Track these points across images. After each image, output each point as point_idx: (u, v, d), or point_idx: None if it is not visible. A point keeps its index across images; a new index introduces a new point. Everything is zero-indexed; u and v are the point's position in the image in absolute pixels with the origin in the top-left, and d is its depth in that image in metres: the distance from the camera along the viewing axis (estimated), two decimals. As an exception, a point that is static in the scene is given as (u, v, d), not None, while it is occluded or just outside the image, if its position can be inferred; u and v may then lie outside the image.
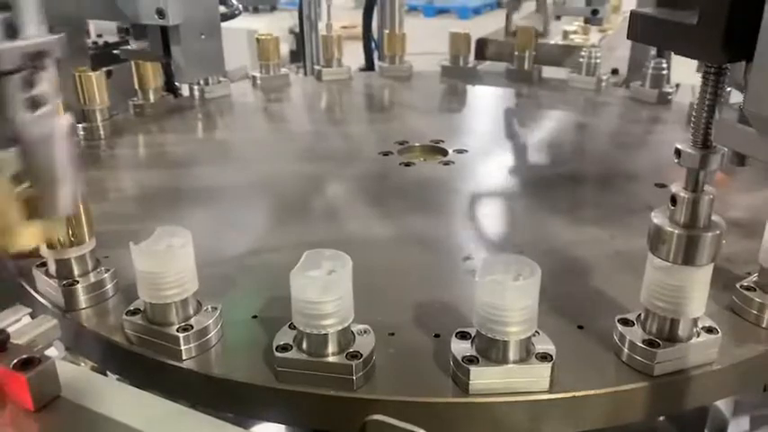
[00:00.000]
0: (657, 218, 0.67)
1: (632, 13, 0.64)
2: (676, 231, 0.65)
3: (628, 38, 0.67)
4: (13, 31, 0.49)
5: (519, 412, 0.68)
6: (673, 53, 1.76)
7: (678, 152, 0.64)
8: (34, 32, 0.50)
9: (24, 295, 0.86)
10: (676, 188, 0.66)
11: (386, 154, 1.33)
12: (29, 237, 0.55)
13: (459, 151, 1.34)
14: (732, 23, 0.53)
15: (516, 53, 1.81)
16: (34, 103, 0.51)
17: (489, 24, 2.79)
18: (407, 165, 1.29)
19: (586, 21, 1.92)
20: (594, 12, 1.80)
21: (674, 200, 0.66)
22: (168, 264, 0.71)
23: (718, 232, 0.65)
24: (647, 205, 1.08)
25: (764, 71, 0.50)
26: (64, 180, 0.53)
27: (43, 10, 0.50)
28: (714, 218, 0.66)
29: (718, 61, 0.59)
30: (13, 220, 0.53)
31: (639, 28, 0.63)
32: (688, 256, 0.65)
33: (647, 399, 0.70)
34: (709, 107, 0.62)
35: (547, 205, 1.17)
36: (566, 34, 2.31)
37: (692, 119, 0.64)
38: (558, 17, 1.94)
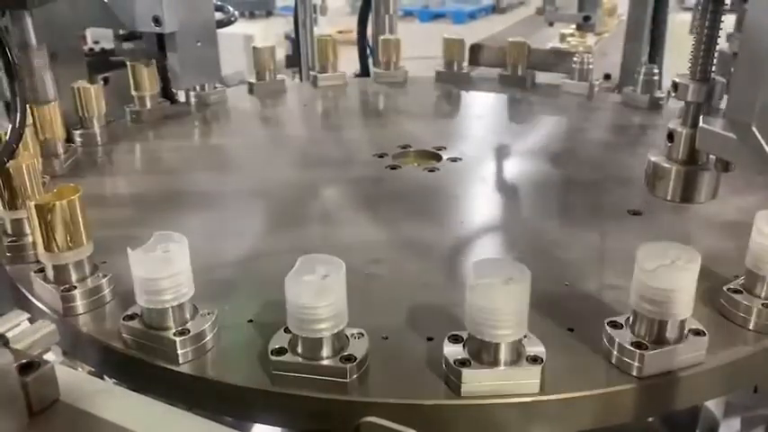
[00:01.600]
0: (655, 155, 0.65)
1: None
2: (674, 167, 0.64)
3: None
4: None
5: (510, 414, 0.69)
6: (663, 59, 1.78)
7: (675, 85, 0.62)
8: None
9: (23, 300, 0.87)
10: (673, 124, 0.64)
11: (380, 161, 1.34)
12: None
13: (453, 157, 1.35)
14: None
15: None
16: None
17: (484, 29, 2.81)
18: (402, 170, 1.30)
19: (578, 27, 1.94)
20: (586, 18, 1.82)
21: (671, 136, 0.64)
22: (165, 269, 0.72)
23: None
24: (638, 209, 1.10)
25: (745, 79, 0.51)
26: None
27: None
28: (712, 155, 0.64)
29: None
30: None
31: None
32: (687, 192, 0.64)
33: (637, 400, 0.72)
34: (708, 36, 0.60)
35: (538, 209, 1.18)
36: (563, 37, 2.33)
37: (691, 51, 0.62)
38: (551, 24, 1.95)
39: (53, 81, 1.28)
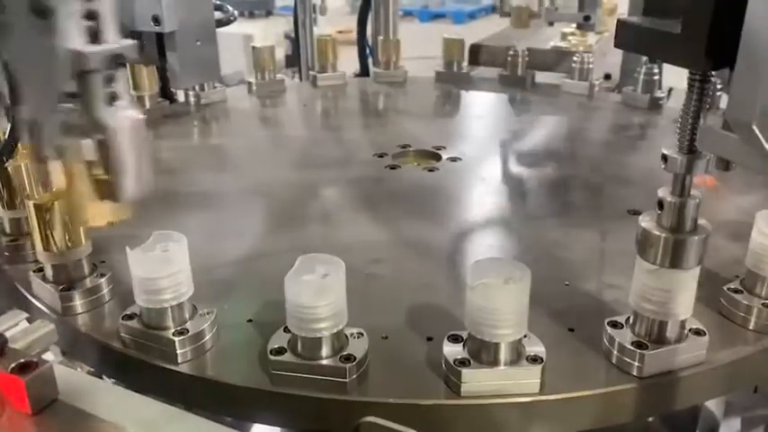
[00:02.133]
0: (645, 222, 0.68)
1: (619, 22, 0.66)
2: (663, 235, 0.66)
3: (615, 46, 0.68)
4: (96, 38, 0.57)
5: (510, 414, 0.69)
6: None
7: (665, 158, 0.66)
8: (113, 39, 0.58)
9: (22, 300, 0.87)
10: (663, 193, 0.67)
11: (380, 160, 1.34)
12: (99, 216, 0.63)
13: (453, 157, 1.35)
14: (715, 32, 0.54)
15: (509, 58, 1.83)
16: (111, 99, 0.58)
17: (485, 29, 2.81)
18: (401, 170, 1.30)
19: (579, 26, 1.94)
20: (587, 18, 1.82)
21: (660, 204, 0.67)
22: (164, 268, 0.72)
23: (704, 236, 0.67)
24: (638, 209, 1.10)
25: (745, 79, 0.51)
26: (130, 167, 0.59)
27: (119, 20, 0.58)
28: (700, 221, 0.68)
29: (702, 69, 0.60)
30: (86, 199, 0.61)
31: (625, 36, 0.65)
32: (675, 259, 0.67)
33: (637, 400, 0.72)
34: (695, 113, 0.64)
35: (538, 208, 1.18)
36: (564, 35, 2.33)
37: (678, 125, 0.65)
38: (551, 23, 1.96)
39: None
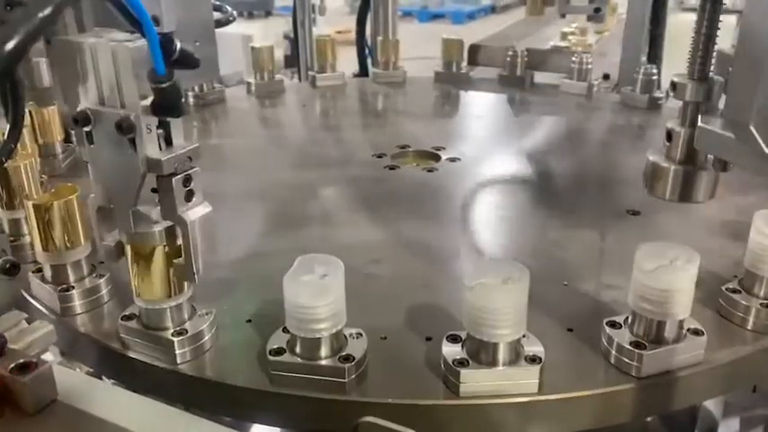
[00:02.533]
0: (653, 155, 0.65)
1: None
2: (673, 167, 0.64)
3: None
4: (168, 143, 0.67)
5: (509, 414, 0.69)
6: (662, 60, 1.78)
7: (673, 85, 0.62)
8: (182, 143, 0.68)
9: (21, 300, 0.87)
10: (672, 123, 0.64)
11: (378, 161, 1.34)
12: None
13: (452, 158, 1.35)
14: None
15: (508, 58, 1.83)
16: (188, 196, 0.68)
17: (484, 29, 2.81)
18: (400, 170, 1.30)
19: (589, 18, 1.96)
20: (597, 9, 1.83)
21: (669, 136, 0.64)
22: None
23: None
24: (637, 209, 1.10)
25: (742, 80, 0.51)
26: (200, 254, 0.69)
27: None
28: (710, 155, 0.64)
29: None
30: (163, 280, 0.72)
31: None
32: (685, 192, 0.64)
33: (635, 400, 0.72)
34: (707, 36, 0.60)
35: (537, 209, 1.18)
36: (564, 35, 2.34)
37: (689, 50, 0.62)
38: (563, 15, 1.97)
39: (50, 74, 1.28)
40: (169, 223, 0.69)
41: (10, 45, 0.47)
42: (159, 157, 0.65)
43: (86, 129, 0.67)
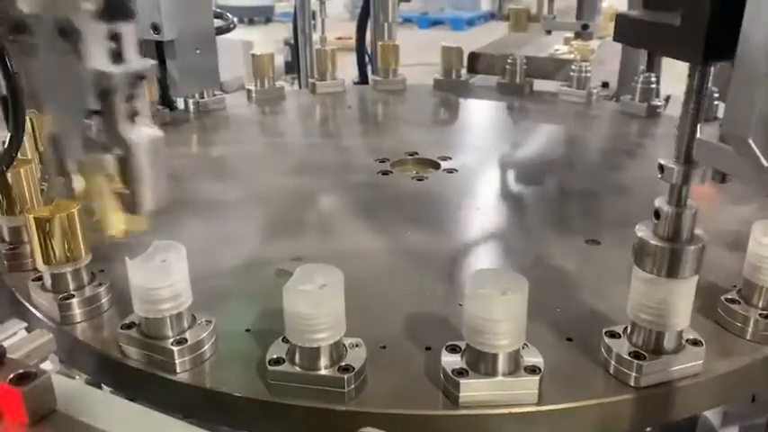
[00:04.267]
0: (642, 231, 0.68)
1: (618, 16, 0.65)
2: (660, 245, 0.67)
3: (614, 40, 0.67)
4: (118, 58, 0.60)
5: (508, 424, 0.69)
6: (660, 68, 1.79)
7: (661, 167, 0.66)
8: (134, 59, 0.60)
9: (20, 309, 0.87)
10: (660, 202, 0.67)
11: (379, 169, 1.35)
12: (117, 227, 0.66)
13: (453, 167, 1.35)
14: (714, 24, 0.54)
15: (508, 66, 1.84)
16: (132, 116, 0.61)
17: (483, 36, 2.82)
18: (400, 178, 1.30)
19: (577, 35, 1.96)
20: (585, 26, 1.83)
21: (657, 214, 0.67)
22: (163, 278, 0.72)
23: (700, 245, 0.67)
24: (636, 219, 1.10)
25: (741, 92, 0.51)
26: (148, 181, 0.62)
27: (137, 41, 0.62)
28: (697, 231, 0.68)
29: (700, 62, 0.59)
30: (107, 211, 0.64)
31: (625, 29, 0.65)
32: (671, 268, 0.67)
33: (634, 410, 0.72)
34: (692, 124, 0.64)
35: (536, 218, 1.18)
36: (567, 40, 2.35)
37: (676, 135, 0.65)
38: (549, 32, 1.98)
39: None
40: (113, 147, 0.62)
41: None
42: (107, 69, 0.58)
43: (24, 38, 0.60)
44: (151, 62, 0.62)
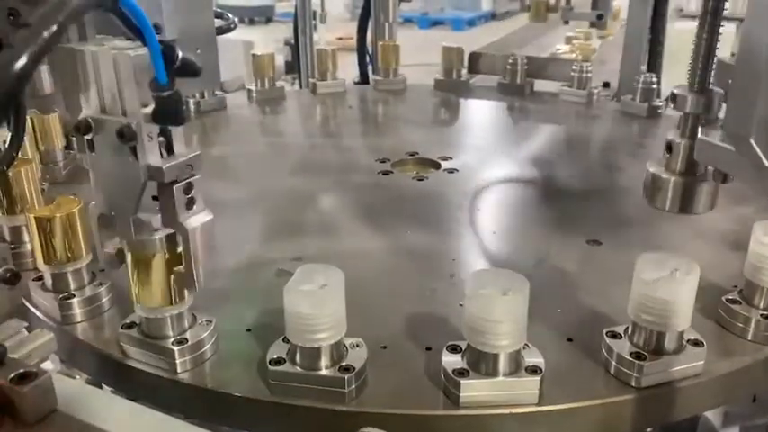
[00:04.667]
0: (653, 166, 0.66)
1: None
2: (673, 178, 0.64)
3: None
4: (169, 151, 0.67)
5: (508, 424, 0.69)
6: (662, 68, 1.79)
7: (674, 96, 0.63)
8: (183, 151, 0.68)
9: (21, 309, 0.87)
10: (672, 135, 0.64)
11: (380, 169, 1.35)
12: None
13: (453, 167, 1.35)
14: None
15: (508, 66, 1.84)
16: (189, 204, 0.68)
17: (483, 36, 2.82)
18: (400, 178, 1.30)
19: (592, 24, 1.99)
20: (600, 16, 1.87)
21: (669, 147, 0.64)
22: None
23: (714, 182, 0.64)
24: (637, 219, 1.10)
25: (742, 93, 0.51)
26: (202, 262, 0.69)
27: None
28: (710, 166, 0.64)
29: None
30: (163, 288, 0.71)
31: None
32: (685, 203, 0.64)
33: (635, 410, 0.72)
34: (706, 48, 0.61)
35: (537, 218, 1.18)
36: (569, 39, 2.36)
37: (689, 62, 0.62)
38: (566, 22, 2.00)
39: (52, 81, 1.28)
40: (170, 230, 0.69)
41: (18, 65, 0.47)
42: (160, 165, 0.65)
43: (88, 137, 0.67)
44: (197, 153, 0.69)
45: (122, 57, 0.63)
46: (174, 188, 0.67)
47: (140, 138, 0.64)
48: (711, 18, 0.59)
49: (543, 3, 2.15)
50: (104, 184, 0.69)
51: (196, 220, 0.68)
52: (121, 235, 0.71)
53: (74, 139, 1.39)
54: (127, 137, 0.64)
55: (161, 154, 0.66)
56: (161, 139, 0.66)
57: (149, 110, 0.63)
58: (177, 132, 0.68)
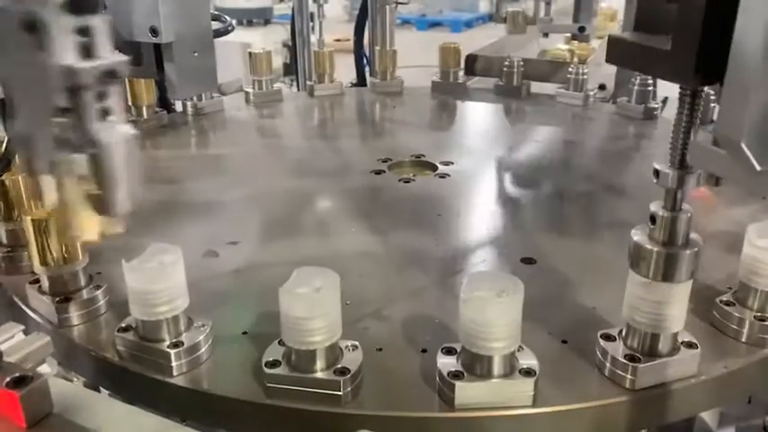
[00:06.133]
0: (637, 235, 0.69)
1: (610, 38, 0.67)
2: (655, 249, 0.67)
3: (607, 61, 0.69)
4: (88, 53, 0.56)
5: (503, 426, 0.69)
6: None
7: (656, 172, 0.66)
8: (107, 54, 0.57)
9: (17, 312, 0.87)
10: (655, 207, 0.68)
11: (378, 171, 1.35)
12: (90, 230, 0.62)
13: (445, 171, 1.35)
14: (704, 49, 0.55)
15: (505, 68, 1.84)
16: (104, 114, 0.58)
17: (480, 38, 2.83)
18: (397, 180, 1.30)
19: (573, 37, 1.96)
20: (581, 29, 1.84)
21: (653, 218, 0.68)
22: (159, 281, 0.72)
23: (695, 249, 0.67)
24: (632, 220, 1.10)
25: (734, 96, 0.52)
26: (122, 182, 0.60)
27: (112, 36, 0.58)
28: (692, 235, 0.68)
29: (692, 85, 0.61)
30: (78, 214, 0.61)
31: (617, 52, 0.66)
32: (667, 272, 0.67)
33: (629, 412, 0.72)
34: (686, 128, 0.65)
35: (533, 219, 1.19)
36: (568, 40, 2.36)
37: (670, 140, 0.66)
38: (545, 35, 1.98)
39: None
40: (82, 146, 0.59)
41: None
42: (74, 64, 0.56)
43: None
44: (124, 57, 0.58)
45: None
46: (86, 93, 0.57)
47: (51, 30, 0.54)
48: (691, 99, 0.63)
49: (520, 14, 2.13)
50: (10, 88, 0.59)
51: (113, 132, 0.59)
52: (39, 155, 0.60)
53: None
54: (33, 26, 0.54)
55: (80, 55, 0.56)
56: (82, 38, 0.56)
57: None
58: (100, 32, 0.57)
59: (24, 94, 0.59)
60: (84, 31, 0.56)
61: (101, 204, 0.60)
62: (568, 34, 2.58)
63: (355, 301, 0.84)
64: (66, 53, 0.55)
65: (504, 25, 2.35)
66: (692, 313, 0.73)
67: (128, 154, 0.60)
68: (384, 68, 1.91)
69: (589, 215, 1.19)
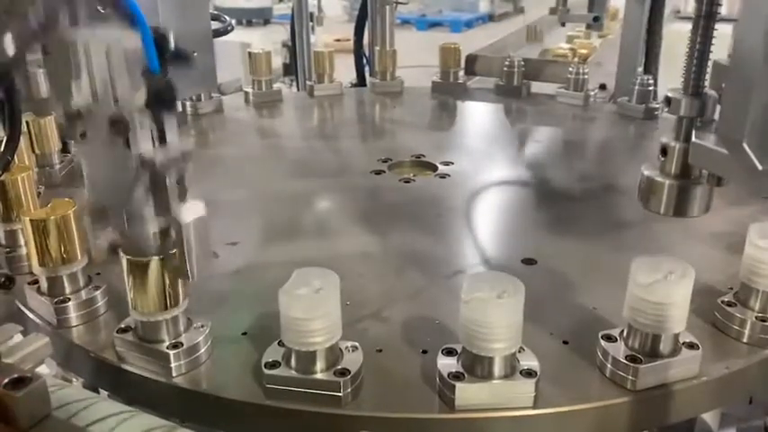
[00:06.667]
0: (648, 170, 0.66)
1: None
2: (667, 182, 0.64)
3: None
4: (162, 141, 0.65)
5: (504, 428, 0.69)
6: (658, 70, 1.79)
7: (668, 100, 0.63)
8: (175, 141, 0.66)
9: (16, 313, 0.87)
10: (666, 138, 0.65)
11: (378, 171, 1.35)
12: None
13: (445, 171, 1.35)
14: None
15: (505, 68, 1.84)
16: (182, 195, 0.67)
17: (481, 38, 2.83)
18: (397, 181, 1.30)
19: (588, 26, 2.00)
20: (596, 18, 1.88)
21: (663, 151, 0.64)
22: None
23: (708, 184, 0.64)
24: (633, 221, 1.10)
25: (735, 97, 0.52)
26: (198, 254, 0.68)
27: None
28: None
29: None
30: (159, 292, 0.71)
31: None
32: (680, 206, 0.64)
33: (631, 413, 0.72)
34: (700, 52, 0.61)
35: (533, 220, 1.18)
36: (570, 39, 2.37)
37: (684, 66, 0.62)
38: (563, 24, 2.01)
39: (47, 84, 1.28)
40: (164, 224, 0.67)
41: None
42: (153, 154, 0.64)
43: (80, 127, 0.66)
44: (191, 143, 0.66)
45: (114, 44, 0.61)
46: (167, 178, 0.65)
47: (132, 126, 0.63)
48: (705, 21, 0.59)
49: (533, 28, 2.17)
50: (97, 175, 0.68)
51: (190, 211, 0.67)
52: (115, 228, 0.69)
53: (71, 141, 1.39)
54: (118, 125, 0.62)
55: (153, 143, 0.65)
56: (153, 129, 0.64)
57: (142, 99, 0.62)
58: (170, 122, 0.66)
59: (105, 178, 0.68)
60: (156, 121, 0.64)
61: (177, 272, 0.69)
62: (569, 33, 2.59)
63: (355, 302, 0.84)
64: (144, 143, 0.64)
65: (503, 26, 2.36)
66: (694, 314, 0.73)
67: (202, 229, 0.68)
68: (384, 68, 1.90)
69: (590, 216, 1.19)
